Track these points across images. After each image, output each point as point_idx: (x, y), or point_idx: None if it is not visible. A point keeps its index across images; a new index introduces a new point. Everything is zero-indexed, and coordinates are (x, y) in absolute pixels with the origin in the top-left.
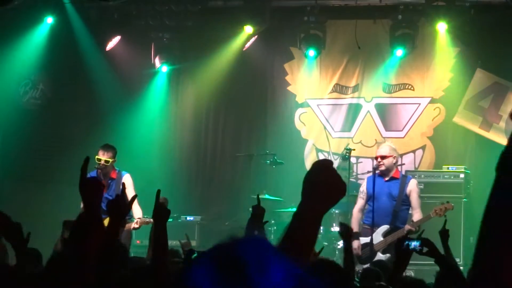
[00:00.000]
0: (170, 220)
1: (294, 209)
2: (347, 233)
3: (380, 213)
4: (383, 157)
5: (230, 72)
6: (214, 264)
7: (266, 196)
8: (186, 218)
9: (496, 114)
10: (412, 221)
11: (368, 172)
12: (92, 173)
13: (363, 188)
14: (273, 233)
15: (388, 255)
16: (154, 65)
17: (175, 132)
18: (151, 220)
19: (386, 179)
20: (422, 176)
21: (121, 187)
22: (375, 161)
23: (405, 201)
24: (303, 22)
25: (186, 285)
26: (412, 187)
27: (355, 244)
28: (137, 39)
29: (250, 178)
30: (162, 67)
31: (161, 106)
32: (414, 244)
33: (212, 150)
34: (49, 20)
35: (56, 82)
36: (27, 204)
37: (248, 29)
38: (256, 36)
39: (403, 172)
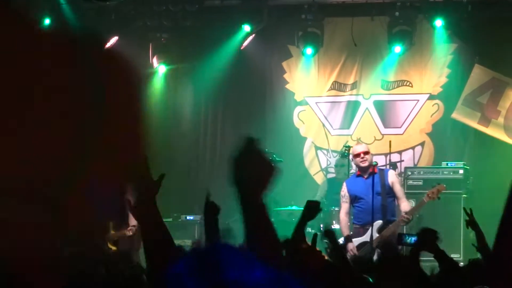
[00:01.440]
0: (169, 219)
1: (294, 208)
2: (328, 236)
3: (369, 212)
4: (366, 153)
5: (228, 71)
6: (190, 264)
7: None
8: (186, 217)
9: (495, 110)
10: (405, 211)
11: None
12: None
13: (344, 191)
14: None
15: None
16: (152, 65)
17: (174, 131)
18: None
19: (366, 176)
20: (422, 172)
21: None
22: (356, 159)
23: (390, 193)
24: (300, 20)
25: (170, 283)
26: (393, 178)
27: (350, 246)
28: (135, 39)
29: None
30: (159, 67)
31: (159, 106)
32: (413, 239)
33: (211, 149)
34: (46, 21)
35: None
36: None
37: (246, 28)
38: (253, 35)
39: (402, 169)
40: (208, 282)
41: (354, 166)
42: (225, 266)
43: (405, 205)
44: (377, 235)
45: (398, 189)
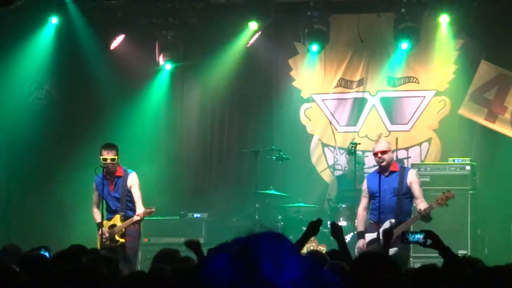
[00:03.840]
0: (176, 217)
1: (301, 204)
2: (334, 231)
3: (385, 210)
4: (383, 153)
5: (235, 68)
6: (230, 259)
7: (273, 192)
8: (193, 215)
9: (501, 106)
10: (419, 210)
11: (374, 166)
12: (98, 176)
13: (364, 186)
14: (280, 228)
15: (395, 249)
16: (158, 63)
17: (180, 129)
18: (152, 209)
19: (386, 174)
20: (428, 169)
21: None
22: (375, 158)
23: (407, 193)
24: (306, 17)
25: (203, 279)
26: (412, 178)
27: (360, 243)
28: (141, 37)
29: (256, 174)
30: (166, 65)
31: (166, 104)
32: (418, 236)
33: (217, 147)
34: (54, 20)
35: (61, 82)
36: (33, 203)
37: (253, 25)
38: (259, 32)
39: (409, 165)
40: (243, 279)
41: (366, 163)
42: (261, 260)
43: (423, 206)
44: None
45: (417, 189)
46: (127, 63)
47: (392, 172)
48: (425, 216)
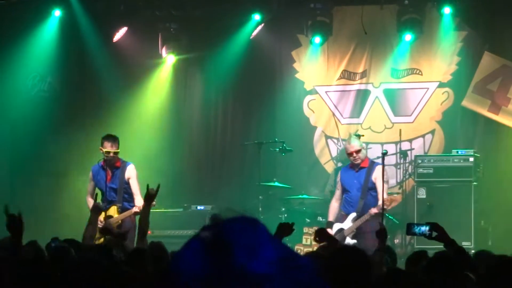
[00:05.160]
0: (180, 209)
1: (305, 196)
2: (320, 238)
3: (352, 203)
4: (357, 152)
5: (238, 60)
6: (202, 247)
7: (276, 184)
8: (196, 207)
9: (505, 97)
10: (369, 211)
11: (378, 157)
12: (95, 166)
13: (338, 179)
14: (284, 220)
15: (355, 241)
16: (161, 55)
17: (184, 121)
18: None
19: (357, 169)
20: (432, 160)
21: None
22: (349, 157)
23: (372, 188)
24: (309, 9)
25: (177, 268)
26: (377, 173)
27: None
28: (144, 30)
29: (259, 166)
30: (168, 57)
31: (168, 96)
32: (423, 228)
33: (221, 139)
34: (57, 13)
35: (64, 75)
36: (36, 195)
37: (256, 17)
38: (263, 24)
39: (413, 157)
40: (215, 266)
41: (369, 154)
42: (234, 247)
43: (379, 203)
44: (351, 224)
45: (379, 185)
46: (130, 56)
47: (362, 168)
48: (379, 215)
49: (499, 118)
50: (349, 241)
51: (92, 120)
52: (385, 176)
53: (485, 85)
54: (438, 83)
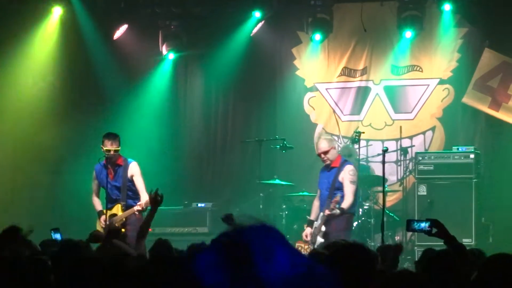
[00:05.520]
0: (180, 207)
1: (305, 194)
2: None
3: (322, 204)
4: (325, 153)
5: (238, 58)
6: (220, 252)
7: (277, 181)
8: (197, 205)
9: (505, 94)
10: (323, 212)
11: (378, 154)
12: (98, 165)
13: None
14: (285, 217)
15: (322, 240)
16: (161, 52)
17: (184, 119)
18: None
19: (328, 169)
20: (432, 157)
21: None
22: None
23: (339, 188)
24: (310, 6)
25: (192, 273)
26: (344, 173)
27: (306, 231)
28: (144, 27)
29: (260, 164)
30: (169, 55)
31: (169, 93)
32: (423, 225)
33: (221, 137)
34: (57, 10)
35: (64, 73)
36: (37, 193)
37: (257, 14)
38: (263, 21)
39: (413, 154)
40: (234, 273)
41: (365, 151)
42: (254, 256)
43: (346, 202)
44: (319, 223)
45: (345, 186)
46: (130, 53)
47: (333, 167)
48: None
49: (500, 114)
50: (319, 239)
51: (93, 118)
52: (351, 177)
53: (486, 81)
54: (438, 79)
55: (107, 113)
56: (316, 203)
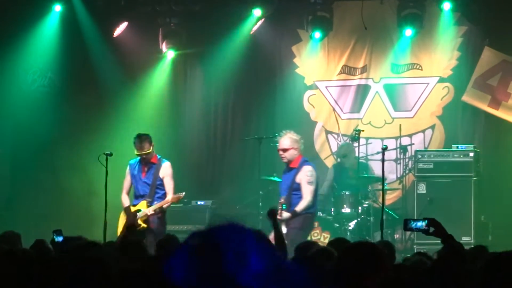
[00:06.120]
0: (180, 205)
1: None
2: (270, 215)
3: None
4: (284, 150)
5: (238, 55)
6: (190, 253)
7: (276, 179)
8: (196, 202)
9: (505, 92)
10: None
11: (378, 153)
12: (132, 161)
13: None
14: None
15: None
16: (161, 50)
17: (184, 116)
18: (181, 194)
19: (288, 170)
20: (432, 155)
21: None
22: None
23: (297, 189)
24: (310, 4)
25: (165, 275)
26: (301, 175)
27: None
28: (144, 25)
29: (259, 161)
30: (168, 52)
31: (169, 91)
32: (420, 223)
33: (221, 134)
34: (57, 8)
35: (64, 70)
36: (37, 191)
37: (256, 12)
38: (263, 19)
39: (413, 152)
40: (204, 273)
41: (365, 150)
42: (223, 254)
43: (302, 204)
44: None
45: (303, 187)
46: (130, 51)
47: (291, 168)
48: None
49: (499, 113)
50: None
51: (92, 115)
52: (308, 178)
53: (485, 80)
54: (438, 78)
55: (106, 110)
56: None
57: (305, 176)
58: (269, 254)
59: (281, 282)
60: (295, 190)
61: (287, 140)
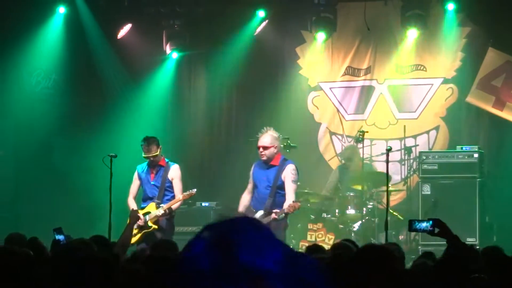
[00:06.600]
0: (184, 206)
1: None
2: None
3: (259, 200)
4: (265, 148)
5: (242, 57)
6: (206, 247)
7: None
8: (201, 204)
9: (509, 93)
10: (280, 209)
11: (382, 154)
12: (139, 166)
13: (250, 173)
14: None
15: None
16: (165, 52)
17: (188, 118)
18: (193, 191)
19: (267, 167)
20: (436, 156)
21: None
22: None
23: (282, 187)
24: (313, 5)
25: (180, 270)
26: (286, 172)
27: None
28: (148, 26)
29: None
30: (172, 54)
31: (173, 92)
32: (425, 224)
33: (225, 136)
34: (61, 10)
35: (68, 71)
36: (40, 192)
37: (261, 14)
38: (267, 21)
39: (417, 153)
40: (219, 264)
41: (369, 151)
42: (238, 246)
43: (288, 202)
44: None
45: (287, 185)
46: (134, 52)
47: (272, 165)
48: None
49: (504, 114)
50: None
51: (96, 117)
52: (293, 176)
53: (490, 81)
54: (442, 79)
55: (111, 112)
56: (246, 197)
57: (290, 174)
58: (285, 246)
59: (298, 270)
60: (278, 188)
61: (268, 138)
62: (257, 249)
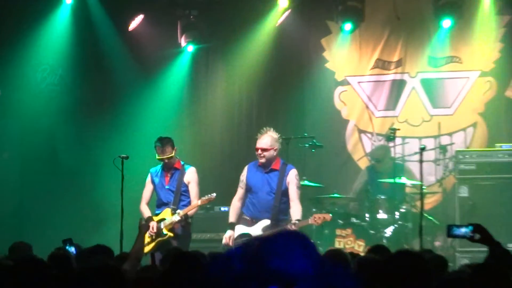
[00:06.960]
0: (202, 211)
1: (336, 196)
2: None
3: (260, 208)
4: (264, 150)
5: (263, 49)
6: (241, 252)
7: (306, 183)
8: (220, 208)
9: None
10: (294, 220)
11: (415, 153)
12: (153, 169)
13: (243, 177)
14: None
15: None
16: (180, 44)
17: (205, 115)
18: (212, 196)
19: (266, 170)
20: (474, 155)
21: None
22: (256, 152)
23: (285, 193)
24: None
25: (214, 269)
26: (291, 178)
27: (228, 234)
28: (161, 17)
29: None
30: (188, 47)
31: (188, 89)
32: (465, 230)
33: (246, 135)
34: (68, 0)
35: (75, 67)
36: (46, 191)
37: (283, 3)
38: (290, 10)
39: (453, 152)
40: (251, 268)
41: (401, 150)
42: (272, 254)
43: (295, 212)
44: (260, 233)
45: (292, 191)
46: (147, 45)
47: (273, 170)
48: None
49: None
50: None
51: (106, 115)
52: (297, 182)
53: None
54: (479, 72)
55: (121, 110)
56: (237, 204)
57: (294, 179)
58: (316, 255)
59: (326, 276)
60: (283, 195)
61: (268, 140)
62: (287, 256)
